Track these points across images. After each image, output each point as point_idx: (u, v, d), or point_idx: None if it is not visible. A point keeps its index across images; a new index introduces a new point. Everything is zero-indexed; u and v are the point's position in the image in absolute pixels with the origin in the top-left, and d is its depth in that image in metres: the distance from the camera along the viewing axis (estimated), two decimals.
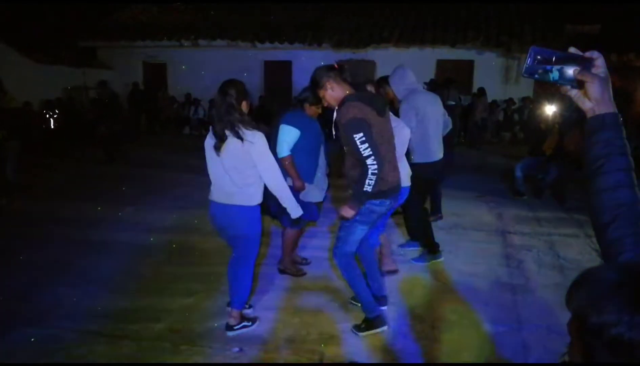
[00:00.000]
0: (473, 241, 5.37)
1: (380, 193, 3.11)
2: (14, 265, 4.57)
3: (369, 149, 2.94)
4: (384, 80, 4.64)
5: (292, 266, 4.42)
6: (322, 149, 4.22)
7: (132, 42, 16.39)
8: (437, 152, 4.72)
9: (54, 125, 11.81)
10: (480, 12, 15.38)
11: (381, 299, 3.71)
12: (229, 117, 3.11)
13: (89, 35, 16.97)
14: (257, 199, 3.27)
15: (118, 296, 3.97)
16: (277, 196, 3.34)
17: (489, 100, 13.82)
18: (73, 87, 14.48)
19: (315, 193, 4.17)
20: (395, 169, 3.28)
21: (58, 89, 13.99)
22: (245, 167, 3.15)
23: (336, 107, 3.17)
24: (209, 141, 3.26)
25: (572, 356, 0.86)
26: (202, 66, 15.97)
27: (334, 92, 3.15)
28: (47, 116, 11.79)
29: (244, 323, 3.44)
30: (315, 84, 3.21)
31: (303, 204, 4.04)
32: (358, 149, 2.95)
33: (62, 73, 14.61)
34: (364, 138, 2.94)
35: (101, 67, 16.61)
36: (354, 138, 2.95)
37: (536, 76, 1.17)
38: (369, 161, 2.95)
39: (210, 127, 3.24)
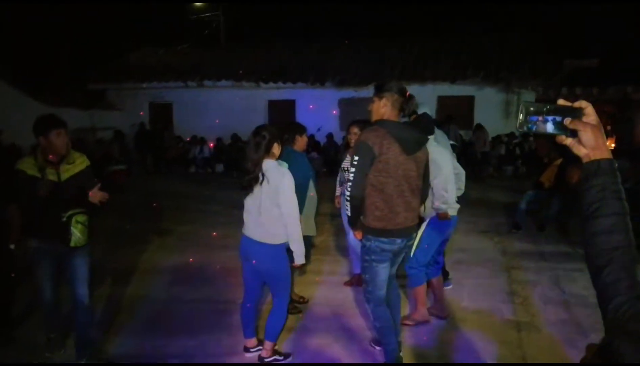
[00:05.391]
0: (477, 277, 5.35)
1: (387, 231, 3.03)
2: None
3: (353, 175, 2.97)
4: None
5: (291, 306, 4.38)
6: (311, 183, 4.23)
7: (140, 84, 16.78)
8: None
9: None
10: (479, 49, 15.69)
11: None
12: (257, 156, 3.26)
13: (98, 78, 17.42)
14: (281, 238, 3.33)
15: (119, 338, 3.97)
16: (288, 227, 3.34)
17: (492, 134, 13.96)
18: (81, 128, 14.76)
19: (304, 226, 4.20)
20: (409, 210, 3.10)
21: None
22: (270, 205, 3.26)
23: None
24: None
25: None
26: (207, 106, 16.32)
27: (383, 109, 3.07)
28: None
29: (275, 357, 3.54)
30: (377, 89, 3.11)
31: None
32: (350, 169, 3.01)
33: (71, 115, 14.81)
34: (356, 163, 2.97)
35: (109, 108, 16.97)
36: (353, 158, 3.00)
37: (531, 128, 1.21)
38: (347, 184, 3.02)
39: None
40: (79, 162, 3.46)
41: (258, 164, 3.23)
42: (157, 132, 15.81)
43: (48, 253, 3.38)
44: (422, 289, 4.09)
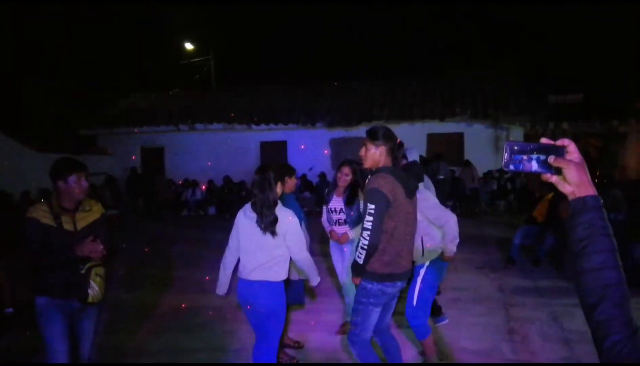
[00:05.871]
0: (475, 316, 5.26)
1: (393, 276, 3.06)
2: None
3: (371, 224, 2.93)
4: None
5: (284, 355, 4.23)
6: (302, 225, 4.20)
7: (131, 129, 16.90)
8: None
9: None
10: (466, 87, 16.01)
11: None
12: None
13: (89, 124, 17.53)
14: (281, 275, 3.28)
15: None
16: (300, 265, 3.35)
17: (482, 170, 14.07)
18: None
19: (297, 270, 4.12)
20: (410, 253, 3.19)
21: None
22: (274, 245, 3.22)
23: (369, 174, 3.16)
24: (246, 219, 3.29)
25: None
26: (199, 149, 16.42)
27: (379, 157, 3.09)
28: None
29: None
30: (373, 136, 3.11)
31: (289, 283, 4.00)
32: (365, 217, 2.96)
33: None
34: (373, 211, 2.93)
35: (100, 153, 17.00)
36: (367, 206, 2.96)
37: (516, 167, 1.21)
38: (364, 234, 2.94)
39: (252, 206, 3.26)
40: (95, 210, 3.19)
41: (276, 204, 3.21)
42: (148, 177, 15.80)
43: (60, 310, 3.03)
44: (431, 339, 3.98)
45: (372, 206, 2.92)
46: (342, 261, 4.71)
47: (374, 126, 3.26)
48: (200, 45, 23.90)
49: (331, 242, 4.82)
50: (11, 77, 18.15)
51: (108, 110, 18.54)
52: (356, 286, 3.19)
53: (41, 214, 2.96)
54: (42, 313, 3.00)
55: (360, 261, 2.97)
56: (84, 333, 3.16)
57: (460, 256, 7.55)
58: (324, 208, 4.81)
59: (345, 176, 4.52)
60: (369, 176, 3.13)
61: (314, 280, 3.45)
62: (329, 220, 4.73)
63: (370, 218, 2.92)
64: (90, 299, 3.03)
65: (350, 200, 4.51)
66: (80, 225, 3.06)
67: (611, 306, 1.07)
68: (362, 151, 3.14)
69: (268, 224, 3.17)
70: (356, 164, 4.54)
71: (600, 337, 1.08)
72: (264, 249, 3.21)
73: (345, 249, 4.63)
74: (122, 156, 16.94)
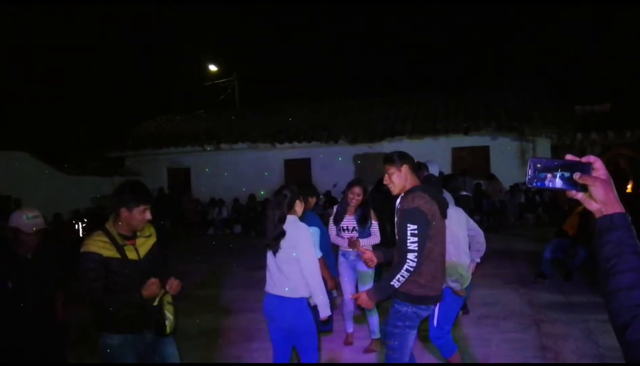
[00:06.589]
0: (505, 332, 5.14)
1: (428, 298, 3.00)
2: None
3: (416, 245, 2.83)
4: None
5: None
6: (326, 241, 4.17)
7: (158, 150, 17.25)
8: None
9: (82, 233, 12.17)
10: (490, 100, 15.85)
11: None
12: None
13: (117, 146, 17.98)
14: (301, 292, 3.25)
15: None
16: (311, 289, 3.28)
17: (509, 183, 13.86)
18: (102, 195, 15.10)
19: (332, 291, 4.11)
20: (444, 274, 3.13)
21: (88, 198, 14.59)
22: (288, 260, 3.23)
23: (401, 195, 3.08)
24: None
25: None
26: (224, 168, 16.61)
27: (404, 178, 3.04)
28: (76, 225, 12.17)
29: None
30: (390, 160, 3.06)
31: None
32: (405, 240, 2.85)
33: (91, 183, 15.33)
34: (416, 231, 2.84)
35: (128, 174, 17.39)
36: (406, 228, 2.85)
37: (541, 184, 1.20)
38: (410, 256, 2.83)
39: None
40: (152, 233, 3.02)
41: (282, 221, 3.23)
42: (175, 196, 16.06)
43: (134, 347, 2.82)
44: (457, 356, 3.90)
45: (414, 227, 2.84)
46: (351, 281, 4.71)
47: (385, 153, 3.23)
48: (223, 67, 24.40)
49: (342, 260, 4.78)
50: (40, 102, 18.82)
51: (135, 133, 19.00)
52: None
53: (101, 246, 2.73)
54: (114, 354, 2.77)
55: (397, 285, 2.86)
56: (172, 360, 2.99)
57: (488, 271, 7.45)
58: (334, 226, 4.77)
59: (357, 196, 4.53)
60: (403, 195, 3.06)
61: (323, 311, 3.24)
62: (340, 236, 4.71)
63: (415, 239, 2.83)
64: (168, 331, 2.87)
65: (363, 219, 4.52)
66: (143, 252, 2.89)
67: None
68: (386, 180, 3.09)
69: (271, 239, 3.22)
70: (367, 183, 4.56)
71: (632, 358, 1.05)
72: (275, 264, 3.27)
73: (358, 268, 4.59)
74: (149, 176, 17.26)
